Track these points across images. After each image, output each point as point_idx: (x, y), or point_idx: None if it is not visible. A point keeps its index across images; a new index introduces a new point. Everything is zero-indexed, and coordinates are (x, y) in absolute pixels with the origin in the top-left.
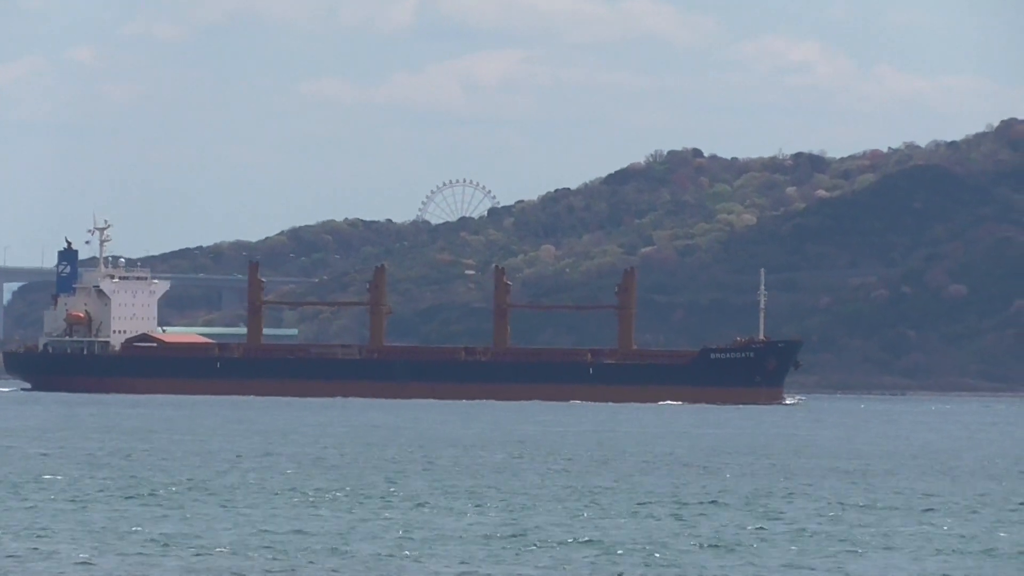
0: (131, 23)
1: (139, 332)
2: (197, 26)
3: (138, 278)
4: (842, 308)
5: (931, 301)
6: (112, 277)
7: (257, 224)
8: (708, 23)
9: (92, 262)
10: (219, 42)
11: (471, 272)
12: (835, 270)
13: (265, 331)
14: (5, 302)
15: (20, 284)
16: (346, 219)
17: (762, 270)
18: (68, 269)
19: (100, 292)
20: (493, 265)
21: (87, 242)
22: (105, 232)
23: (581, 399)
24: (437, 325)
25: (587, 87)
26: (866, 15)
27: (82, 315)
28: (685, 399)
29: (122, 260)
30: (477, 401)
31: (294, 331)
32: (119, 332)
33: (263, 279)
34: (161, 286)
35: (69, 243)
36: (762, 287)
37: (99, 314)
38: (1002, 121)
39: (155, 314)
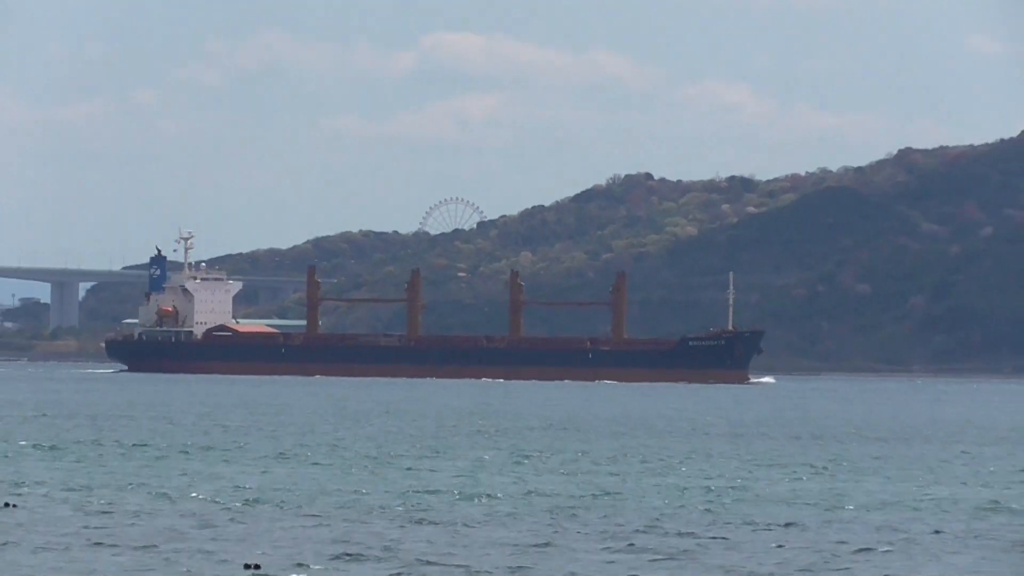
0: (183, 71)
1: (217, 323)
2: (236, 73)
3: (216, 279)
4: (768, 304)
5: (841, 298)
6: (195, 278)
7: (286, 234)
8: (658, 70)
9: (177, 266)
10: (254, 86)
11: (463, 274)
12: (762, 273)
13: (280, 322)
14: (80, 298)
15: (92, 284)
16: (360, 230)
17: (731, 273)
18: (159, 272)
19: (185, 291)
20: (510, 271)
21: (175, 250)
22: (189, 241)
23: (582, 380)
24: (435, 318)
25: (557, 122)
26: (787, 63)
27: (170, 309)
28: (668, 380)
29: (203, 264)
30: (498, 380)
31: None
32: (201, 323)
33: (319, 280)
34: (234, 286)
35: (159, 250)
36: (731, 287)
37: (184, 308)
38: (900, 150)
39: (230, 308)
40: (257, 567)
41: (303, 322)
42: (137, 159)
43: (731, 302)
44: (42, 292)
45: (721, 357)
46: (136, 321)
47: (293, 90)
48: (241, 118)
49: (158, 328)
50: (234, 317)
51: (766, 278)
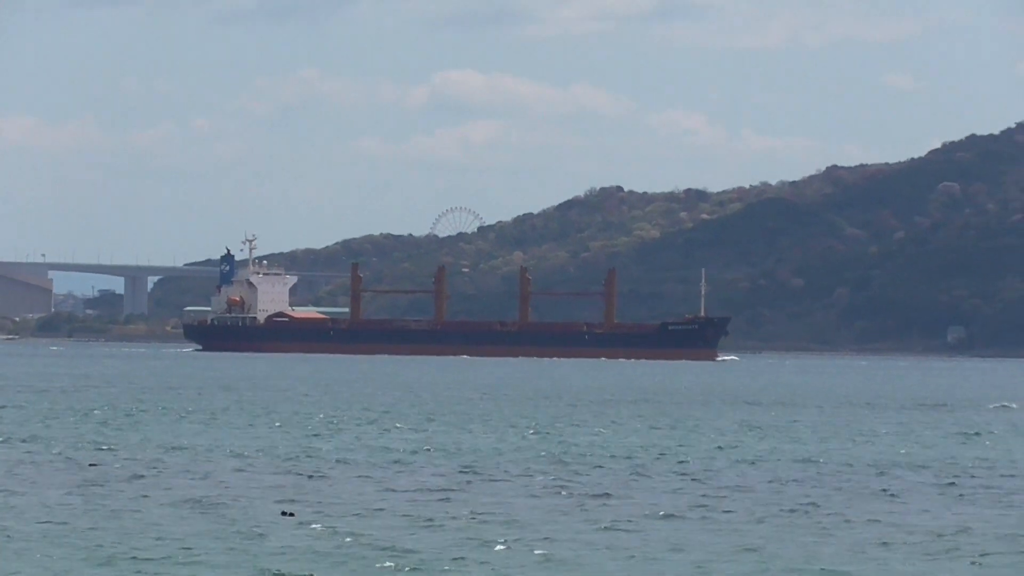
0: (235, 102)
1: (277, 311)
2: (279, 104)
3: (275, 274)
4: (718, 295)
5: (779, 290)
6: (258, 273)
7: (320, 236)
8: (628, 101)
9: (243, 263)
10: (294, 114)
11: (466, 271)
12: (714, 269)
13: (327, 309)
14: (149, 290)
15: (159, 278)
16: (381, 233)
17: (703, 269)
18: (228, 267)
19: (250, 283)
20: (520, 267)
21: (241, 249)
22: (253, 243)
23: (579, 358)
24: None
25: (545, 144)
26: (735, 96)
27: (238, 299)
28: (650, 358)
29: (264, 261)
30: (511, 359)
31: (346, 309)
32: (263, 311)
33: (361, 275)
34: (290, 279)
35: (228, 250)
36: (703, 280)
37: (249, 298)
38: (827, 167)
39: (287, 298)
40: (292, 515)
41: (346, 309)
42: (196, 175)
43: (703, 293)
44: (117, 284)
45: (695, 339)
46: (198, 308)
47: (326, 118)
48: (283, 141)
49: (227, 315)
50: (290, 305)
51: (717, 273)
